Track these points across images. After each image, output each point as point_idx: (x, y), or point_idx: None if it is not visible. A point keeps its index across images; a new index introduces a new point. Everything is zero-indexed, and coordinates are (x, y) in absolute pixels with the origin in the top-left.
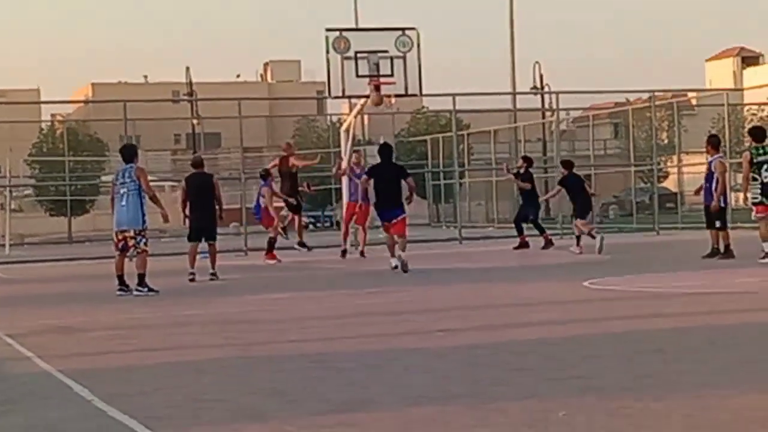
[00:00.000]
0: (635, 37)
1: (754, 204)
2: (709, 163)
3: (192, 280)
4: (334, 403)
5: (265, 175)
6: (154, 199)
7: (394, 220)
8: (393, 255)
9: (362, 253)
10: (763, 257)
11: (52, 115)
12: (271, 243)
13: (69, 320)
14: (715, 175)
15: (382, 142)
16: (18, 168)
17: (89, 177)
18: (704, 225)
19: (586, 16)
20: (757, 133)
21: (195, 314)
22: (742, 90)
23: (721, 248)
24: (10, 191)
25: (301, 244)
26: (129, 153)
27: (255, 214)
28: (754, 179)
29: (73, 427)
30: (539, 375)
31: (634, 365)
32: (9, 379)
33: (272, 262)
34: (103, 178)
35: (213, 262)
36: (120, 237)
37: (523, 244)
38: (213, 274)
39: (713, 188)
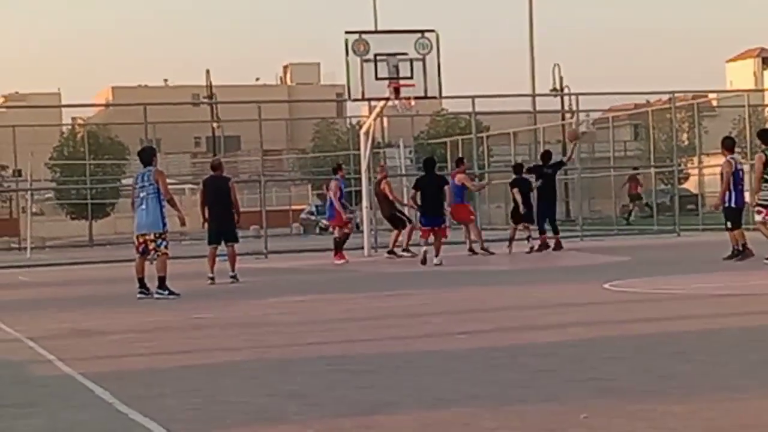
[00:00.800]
0: (656, 38)
1: (762, 206)
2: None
3: (212, 283)
4: (353, 406)
5: (336, 169)
6: (171, 202)
7: (437, 228)
8: (437, 254)
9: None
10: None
11: (73, 119)
12: (339, 243)
13: (89, 323)
14: (724, 177)
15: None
16: (39, 171)
17: (110, 180)
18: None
19: (606, 17)
20: (765, 136)
21: (215, 317)
22: (763, 91)
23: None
24: (32, 195)
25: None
26: (147, 156)
27: (328, 214)
28: (765, 181)
29: (95, 429)
30: (559, 377)
31: (656, 367)
32: (30, 382)
33: (340, 262)
34: (124, 181)
35: (233, 264)
36: (141, 240)
37: (544, 245)
38: (233, 277)
39: (731, 189)
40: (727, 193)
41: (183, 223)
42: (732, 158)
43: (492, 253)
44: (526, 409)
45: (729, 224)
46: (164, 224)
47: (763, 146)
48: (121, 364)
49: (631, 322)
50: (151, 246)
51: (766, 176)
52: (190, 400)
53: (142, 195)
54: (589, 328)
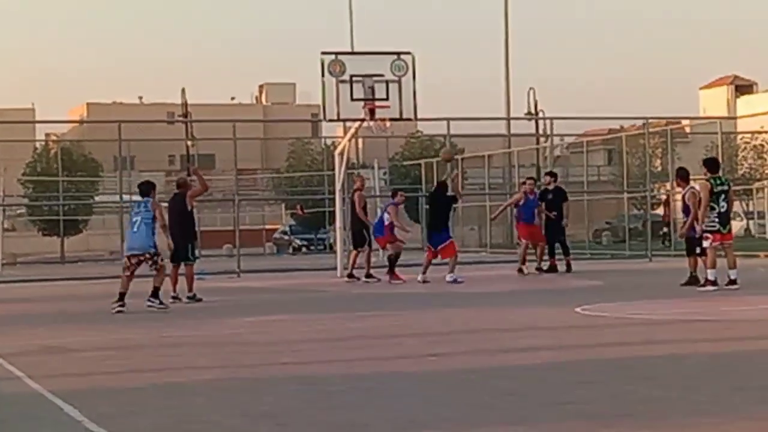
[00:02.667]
0: (630, 64)
1: (710, 232)
2: (683, 197)
3: (173, 302)
4: (324, 427)
5: (394, 194)
6: (163, 229)
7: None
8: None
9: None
10: (704, 284)
11: (47, 135)
12: (392, 261)
13: (60, 340)
14: (690, 207)
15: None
16: (12, 187)
17: (83, 197)
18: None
19: (582, 43)
20: (711, 164)
21: (186, 335)
22: (735, 118)
23: (700, 275)
24: (4, 210)
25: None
26: (146, 188)
27: (376, 231)
28: (712, 208)
29: None
30: (531, 400)
31: (626, 392)
32: None
33: (398, 281)
34: (97, 199)
35: (190, 284)
36: (133, 261)
37: (552, 268)
38: (190, 298)
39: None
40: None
41: (171, 249)
42: (692, 188)
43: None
44: (497, 431)
45: (699, 250)
46: (154, 246)
47: (709, 174)
48: (91, 382)
49: (603, 346)
50: (149, 262)
51: (712, 204)
52: (161, 420)
53: (136, 219)
54: (560, 351)
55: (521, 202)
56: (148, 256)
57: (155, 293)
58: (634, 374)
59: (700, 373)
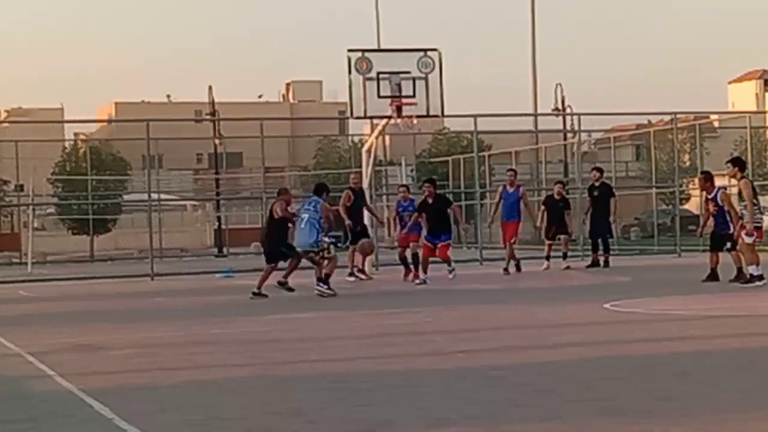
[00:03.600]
0: (658, 58)
1: (756, 228)
2: (714, 198)
3: (255, 297)
4: (353, 424)
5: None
6: (338, 215)
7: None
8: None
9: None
10: (750, 281)
11: (75, 134)
12: (416, 259)
13: (90, 338)
14: (726, 207)
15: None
16: (41, 186)
17: (111, 196)
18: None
19: (609, 38)
20: (743, 163)
21: (217, 333)
22: (764, 113)
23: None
24: (33, 209)
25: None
26: (320, 189)
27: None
28: (755, 204)
29: None
30: (559, 397)
31: (655, 388)
32: (31, 398)
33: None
34: (126, 197)
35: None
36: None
37: (595, 263)
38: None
39: (728, 219)
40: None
41: (349, 230)
42: (723, 189)
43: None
44: (525, 428)
45: (729, 244)
46: (316, 243)
47: (740, 174)
48: (121, 380)
49: (631, 343)
50: (318, 257)
51: (754, 201)
52: (191, 417)
53: (304, 216)
54: (589, 348)
55: (501, 199)
56: (318, 250)
57: (326, 279)
58: (662, 371)
59: (728, 369)
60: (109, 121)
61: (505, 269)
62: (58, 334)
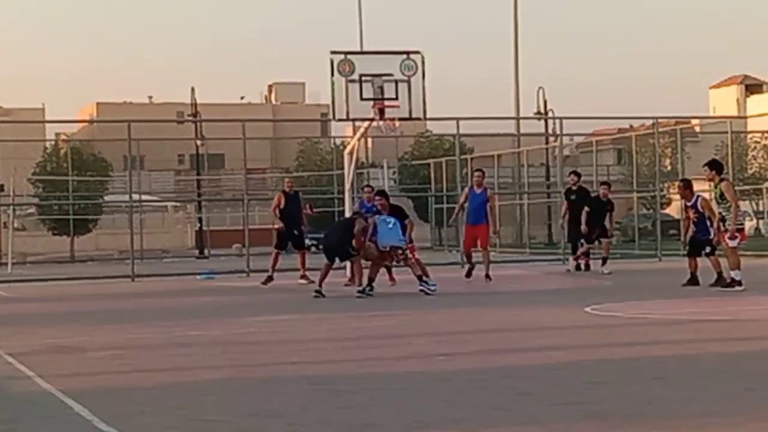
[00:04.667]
0: (639, 63)
1: (739, 230)
2: (694, 205)
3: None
4: (334, 427)
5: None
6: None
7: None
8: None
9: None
10: (731, 285)
11: (57, 135)
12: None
13: (70, 340)
14: (707, 213)
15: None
16: (22, 187)
17: (92, 197)
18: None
19: (591, 42)
20: (720, 167)
21: (197, 335)
22: (745, 118)
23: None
24: (14, 210)
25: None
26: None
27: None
28: (738, 207)
29: None
30: (540, 400)
31: (637, 392)
32: (10, 399)
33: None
34: (107, 198)
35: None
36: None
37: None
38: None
39: (709, 225)
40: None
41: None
42: (700, 196)
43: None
44: (506, 431)
45: (708, 249)
46: (402, 239)
47: (717, 177)
48: (101, 381)
49: (612, 346)
50: (401, 256)
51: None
52: (170, 419)
53: (390, 219)
54: (570, 351)
55: (466, 200)
56: (400, 251)
57: (421, 279)
58: (644, 374)
59: (710, 373)
60: (91, 122)
61: (487, 275)
62: (37, 334)
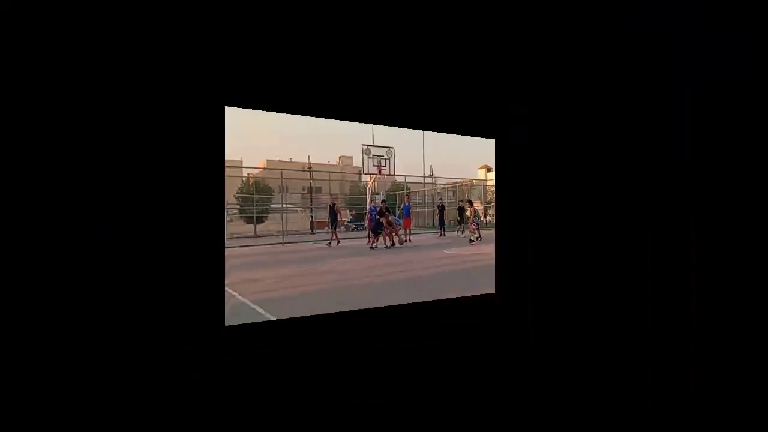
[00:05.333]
0: None
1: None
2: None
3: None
4: (366, 290)
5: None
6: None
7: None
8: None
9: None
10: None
11: (248, 174)
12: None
13: (255, 275)
14: None
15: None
16: (230, 198)
17: (265, 205)
18: None
19: None
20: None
21: (313, 268)
22: None
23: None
24: (227, 210)
25: None
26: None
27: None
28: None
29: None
30: (431, 284)
31: (455, 279)
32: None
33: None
34: (272, 205)
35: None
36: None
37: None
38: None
39: None
40: None
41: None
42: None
43: None
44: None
45: None
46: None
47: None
48: (271, 294)
49: (451, 264)
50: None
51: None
52: (301, 311)
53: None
54: (439, 267)
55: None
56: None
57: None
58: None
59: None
60: (263, 168)
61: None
62: (234, 275)
